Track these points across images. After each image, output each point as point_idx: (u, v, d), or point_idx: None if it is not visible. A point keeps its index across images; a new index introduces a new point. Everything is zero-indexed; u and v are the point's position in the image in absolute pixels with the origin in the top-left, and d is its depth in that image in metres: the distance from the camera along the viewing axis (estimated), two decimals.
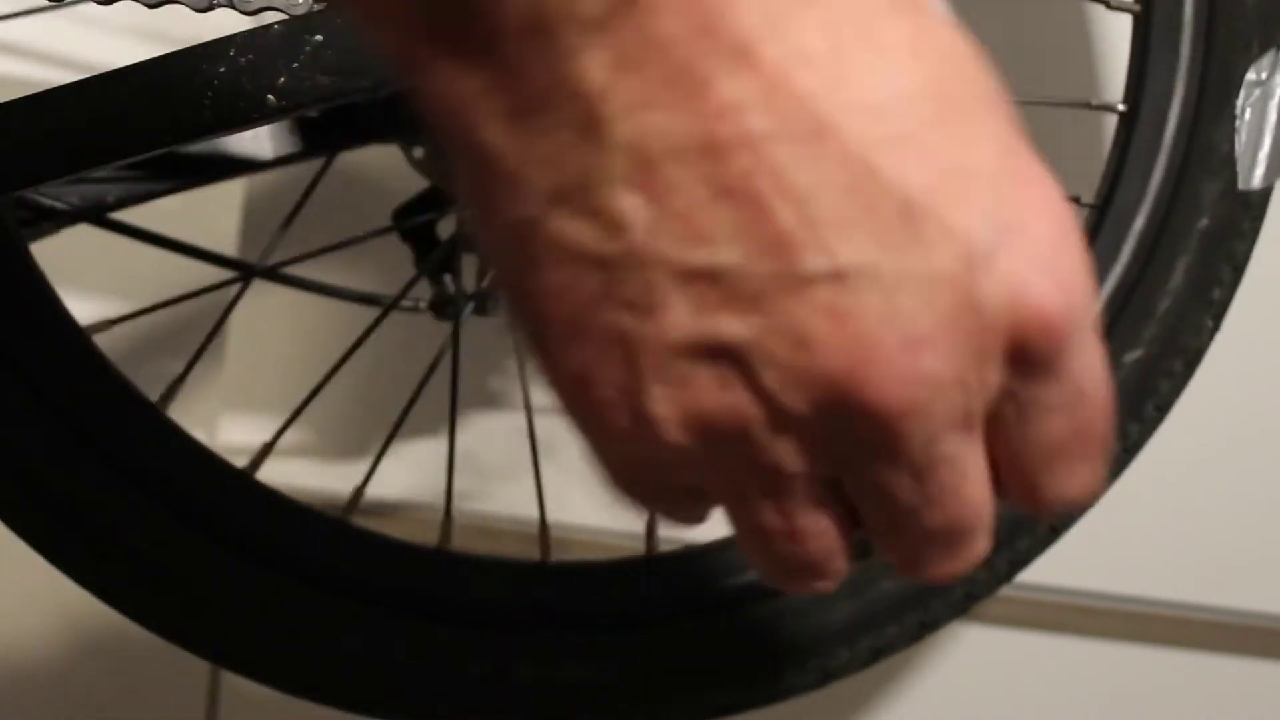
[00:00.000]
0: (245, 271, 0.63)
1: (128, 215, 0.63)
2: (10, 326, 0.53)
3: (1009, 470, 0.29)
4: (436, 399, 0.83)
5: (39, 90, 0.47)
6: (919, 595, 0.57)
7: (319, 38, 0.48)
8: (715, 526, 0.61)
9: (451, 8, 0.23)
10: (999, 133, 0.26)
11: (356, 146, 0.65)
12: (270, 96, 0.48)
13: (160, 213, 0.66)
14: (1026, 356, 0.26)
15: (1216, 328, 0.58)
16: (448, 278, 0.67)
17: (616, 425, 0.27)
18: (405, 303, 0.71)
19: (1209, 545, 0.85)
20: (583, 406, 0.27)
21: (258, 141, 0.64)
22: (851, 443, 0.26)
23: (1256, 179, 0.53)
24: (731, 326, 0.25)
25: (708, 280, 0.24)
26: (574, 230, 0.25)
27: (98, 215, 0.61)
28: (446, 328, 0.69)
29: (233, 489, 0.56)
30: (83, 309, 0.57)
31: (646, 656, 0.57)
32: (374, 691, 0.57)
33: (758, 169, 0.24)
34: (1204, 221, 0.56)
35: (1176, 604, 0.85)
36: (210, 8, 0.49)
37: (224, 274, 0.65)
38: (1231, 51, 0.55)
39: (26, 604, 0.83)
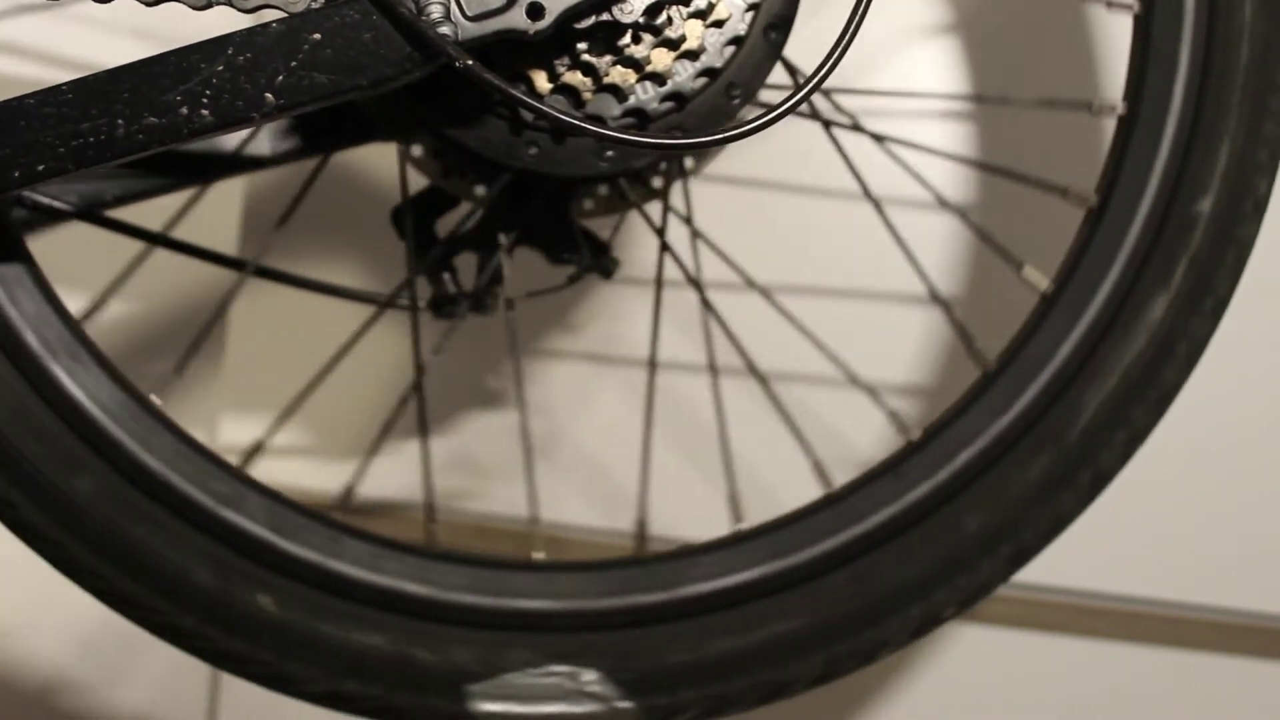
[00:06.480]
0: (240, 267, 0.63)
1: (128, 214, 0.63)
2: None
3: None
4: (438, 399, 0.83)
5: (38, 89, 0.48)
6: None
7: (317, 36, 0.48)
8: (707, 528, 0.61)
9: None
10: None
11: (355, 145, 0.65)
12: (269, 95, 0.48)
13: (162, 211, 0.66)
14: None
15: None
16: (446, 276, 0.67)
17: None
18: (402, 302, 0.71)
19: (1209, 545, 0.85)
20: None
21: (256, 140, 0.64)
22: None
23: None
24: None
25: None
26: None
27: (96, 213, 0.61)
28: (446, 326, 0.68)
29: (233, 488, 0.56)
30: (79, 306, 0.57)
31: None
32: None
33: None
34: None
35: (1176, 604, 0.85)
36: (208, 6, 0.49)
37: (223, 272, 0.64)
38: None
39: (26, 604, 0.83)
